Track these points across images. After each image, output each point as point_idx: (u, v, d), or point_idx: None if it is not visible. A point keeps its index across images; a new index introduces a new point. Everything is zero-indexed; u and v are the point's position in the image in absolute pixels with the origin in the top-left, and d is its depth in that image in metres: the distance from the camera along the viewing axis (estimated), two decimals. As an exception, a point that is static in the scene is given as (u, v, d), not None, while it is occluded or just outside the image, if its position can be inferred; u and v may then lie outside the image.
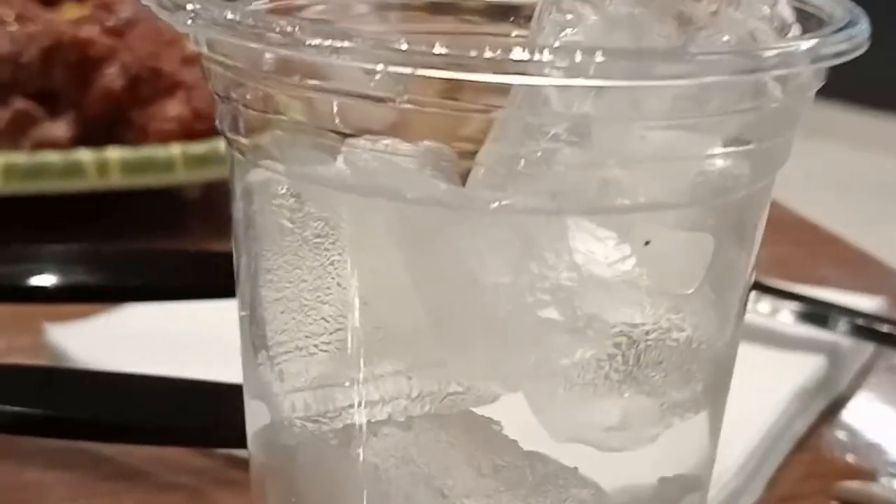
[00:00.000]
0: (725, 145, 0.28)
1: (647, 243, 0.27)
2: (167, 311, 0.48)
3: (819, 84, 0.29)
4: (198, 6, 0.27)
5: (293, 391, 0.30)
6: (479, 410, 0.29)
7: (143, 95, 0.60)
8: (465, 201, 0.27)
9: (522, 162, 0.27)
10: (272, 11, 0.33)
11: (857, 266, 0.66)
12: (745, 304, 0.31)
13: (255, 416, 0.31)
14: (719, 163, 0.28)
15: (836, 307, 0.53)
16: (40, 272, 0.46)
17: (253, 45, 0.26)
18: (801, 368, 0.50)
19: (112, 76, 0.59)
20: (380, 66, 0.24)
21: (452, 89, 0.26)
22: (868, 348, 0.54)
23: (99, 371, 0.45)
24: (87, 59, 0.60)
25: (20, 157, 0.57)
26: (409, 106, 0.26)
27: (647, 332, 0.29)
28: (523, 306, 0.28)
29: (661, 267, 0.28)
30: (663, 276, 0.28)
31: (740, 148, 0.28)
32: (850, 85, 2.53)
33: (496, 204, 0.27)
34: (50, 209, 0.58)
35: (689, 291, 0.29)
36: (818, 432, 0.49)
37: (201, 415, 0.43)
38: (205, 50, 0.29)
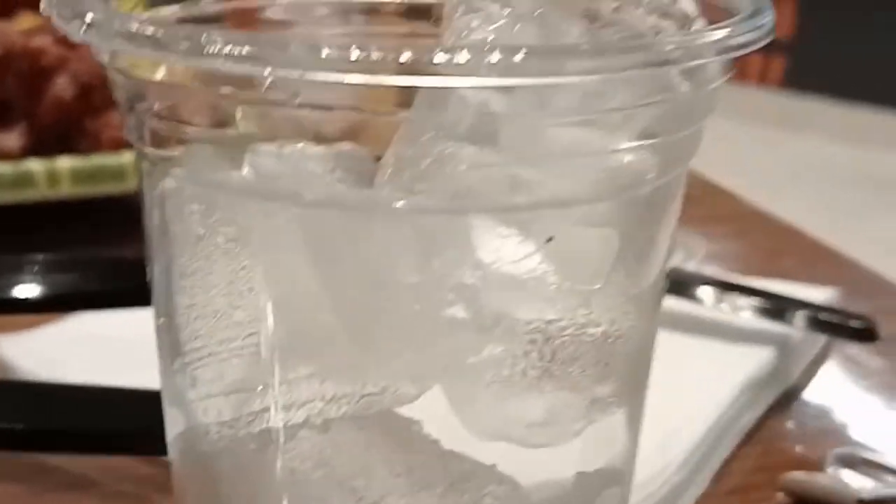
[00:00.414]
0: (632, 140, 0.28)
1: (549, 240, 0.27)
2: (113, 320, 0.48)
3: (726, 76, 0.29)
4: (94, 16, 0.27)
5: (208, 397, 0.30)
6: (399, 410, 0.29)
7: (95, 104, 0.60)
8: (366, 203, 0.27)
9: (426, 162, 0.27)
10: (231, 14, 0.34)
11: (813, 257, 0.66)
12: (662, 297, 0.31)
13: (173, 424, 0.31)
14: (626, 157, 0.28)
15: (789, 300, 0.54)
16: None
17: (150, 55, 0.26)
18: (752, 361, 0.50)
19: (63, 85, 0.59)
20: (267, 71, 0.24)
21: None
22: (820, 340, 0.54)
23: (45, 382, 0.45)
24: (38, 69, 0.60)
25: (-30, 169, 0.57)
26: (305, 111, 0.26)
27: (560, 328, 0.29)
28: (430, 306, 0.28)
29: (568, 263, 0.28)
30: (570, 272, 0.28)
31: (647, 142, 0.29)
32: (824, 77, 2.55)
33: (398, 204, 0.27)
34: (1, 220, 0.58)
35: (598, 286, 0.29)
36: (769, 424, 0.49)
37: (148, 423, 0.43)
38: (106, 60, 0.29)
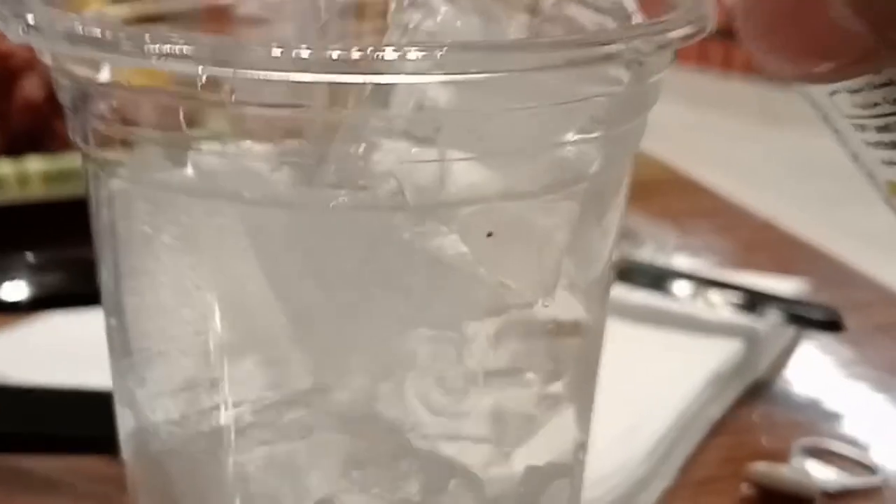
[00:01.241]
0: (575, 133, 0.28)
1: (489, 234, 0.27)
2: (81, 320, 0.47)
3: (666, 68, 0.29)
4: (35, 17, 0.27)
5: (158, 396, 0.30)
6: (349, 407, 0.29)
7: (65, 106, 0.60)
8: (306, 200, 0.27)
9: (365, 158, 0.27)
10: (204, 11, 0.34)
11: (787, 250, 0.67)
12: (609, 289, 0.31)
13: (125, 423, 0.31)
14: (569, 151, 0.28)
15: (762, 294, 0.54)
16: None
17: (90, 54, 0.26)
18: (719, 353, 0.51)
19: (32, 87, 0.59)
20: (200, 69, 0.25)
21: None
22: (788, 332, 0.54)
23: (14, 384, 0.46)
24: (7, 72, 0.60)
25: (-60, 173, 0.57)
26: (240, 110, 0.26)
27: (508, 324, 0.29)
28: (373, 303, 0.28)
29: (512, 258, 0.28)
30: (515, 268, 0.28)
31: (590, 135, 0.29)
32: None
33: (337, 201, 0.27)
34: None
35: (544, 281, 0.29)
36: (736, 415, 0.49)
37: (112, 423, 0.43)
38: (49, 61, 0.29)
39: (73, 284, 0.48)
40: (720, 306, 0.54)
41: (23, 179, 0.56)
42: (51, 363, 0.47)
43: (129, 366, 0.30)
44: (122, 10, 0.33)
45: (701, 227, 0.69)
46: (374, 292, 0.28)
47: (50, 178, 0.57)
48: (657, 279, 0.55)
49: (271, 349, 0.29)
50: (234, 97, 0.25)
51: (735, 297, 0.54)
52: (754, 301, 0.53)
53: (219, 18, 0.35)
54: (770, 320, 0.53)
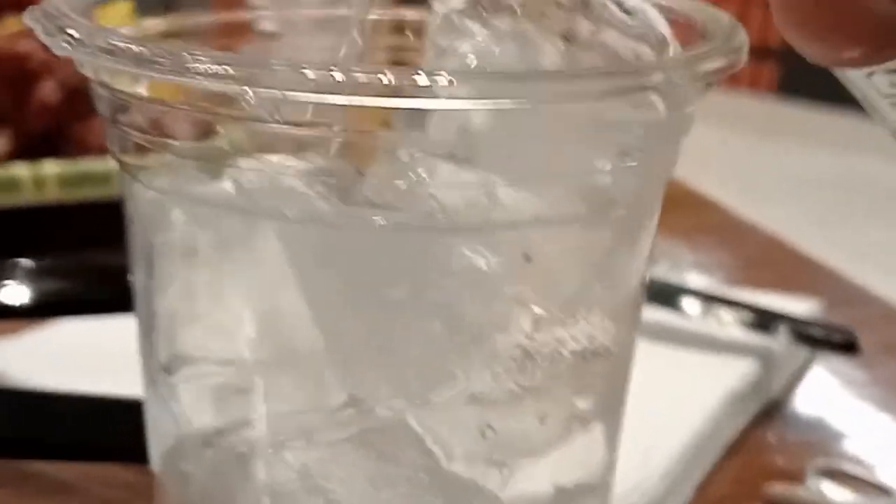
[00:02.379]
0: (609, 161, 0.29)
1: (525, 257, 0.27)
2: (99, 327, 0.48)
3: (700, 98, 0.29)
4: (77, 32, 0.27)
5: (190, 407, 0.30)
6: (382, 425, 0.29)
7: (81, 109, 0.60)
8: (346, 219, 0.27)
9: (405, 179, 0.27)
10: (220, 26, 0.34)
11: (798, 268, 0.67)
12: (640, 312, 0.32)
13: (155, 434, 0.31)
14: (604, 177, 0.29)
15: (772, 312, 0.54)
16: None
17: (131, 70, 0.26)
18: (734, 373, 0.51)
19: (49, 90, 0.59)
20: (247, 89, 0.25)
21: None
22: (803, 352, 0.54)
23: (30, 389, 0.46)
24: (24, 74, 0.60)
25: (-44, 174, 0.57)
26: (284, 128, 0.26)
27: (540, 346, 0.29)
28: (409, 323, 0.28)
29: (547, 281, 0.28)
30: (550, 291, 0.28)
31: (624, 163, 0.29)
32: (814, 83, 2.54)
33: (377, 221, 0.27)
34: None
35: (578, 304, 0.29)
36: (751, 436, 0.49)
37: (132, 431, 0.43)
38: (90, 74, 0.29)
39: (89, 290, 0.48)
40: (731, 324, 0.54)
41: (39, 182, 0.56)
42: (67, 369, 0.47)
43: (163, 376, 0.30)
44: (139, 27, 0.33)
45: (707, 242, 0.69)
46: (409, 311, 0.28)
47: (66, 181, 0.57)
48: (667, 296, 0.56)
49: (305, 364, 0.29)
50: (276, 116, 0.25)
51: (748, 315, 0.54)
52: (766, 320, 0.53)
53: (234, 34, 0.35)
54: (782, 340, 0.53)
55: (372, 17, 0.34)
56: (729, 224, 0.73)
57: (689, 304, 0.55)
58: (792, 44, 0.22)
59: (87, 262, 0.54)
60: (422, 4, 0.34)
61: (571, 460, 0.31)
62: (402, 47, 0.35)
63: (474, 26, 0.29)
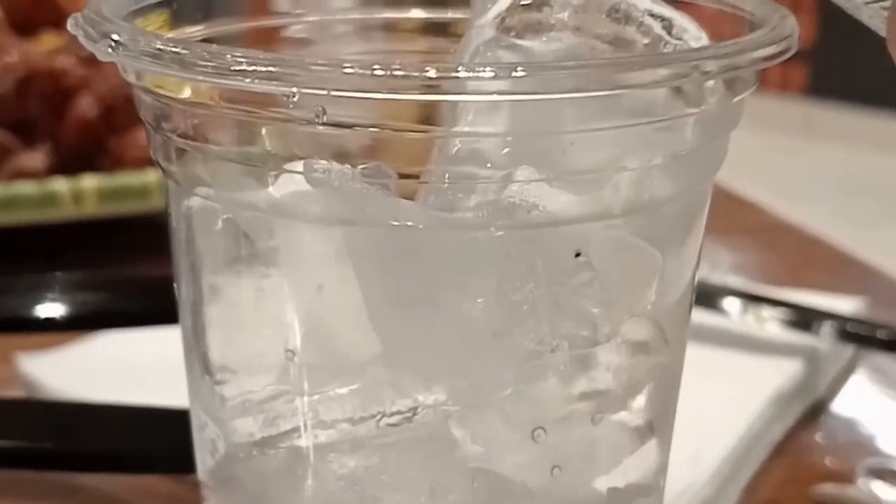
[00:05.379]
0: (656, 155, 0.28)
1: (577, 255, 0.27)
2: (139, 338, 0.48)
3: (749, 89, 0.29)
4: (120, 36, 0.27)
5: (238, 416, 0.30)
6: (432, 430, 0.29)
7: (118, 124, 0.60)
8: (399, 219, 0.27)
9: (457, 180, 0.27)
10: (252, 33, 0.34)
11: (839, 267, 0.66)
12: (689, 314, 0.31)
13: (202, 442, 0.31)
14: (651, 173, 0.28)
15: (815, 311, 0.53)
16: (14, 302, 0.46)
17: (175, 74, 0.26)
18: (780, 373, 0.50)
19: (86, 105, 0.60)
20: (294, 90, 0.24)
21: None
22: (848, 351, 0.54)
23: (72, 401, 0.45)
24: (61, 90, 0.60)
25: (-5, 189, 0.58)
26: (330, 129, 0.26)
27: (592, 346, 0.29)
28: (468, 325, 0.28)
29: (601, 282, 0.28)
30: (602, 291, 0.28)
31: (671, 157, 0.28)
32: (846, 84, 2.53)
33: (432, 221, 0.27)
34: (26, 239, 0.59)
35: (629, 303, 0.29)
36: (798, 436, 0.48)
37: (175, 442, 0.43)
38: (133, 79, 0.29)
39: (127, 303, 0.48)
40: (775, 325, 0.53)
41: (77, 197, 0.57)
42: (107, 381, 0.47)
43: (209, 384, 0.30)
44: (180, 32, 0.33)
45: (746, 243, 0.68)
46: (463, 313, 0.28)
47: (104, 195, 0.57)
48: (708, 296, 0.55)
49: (357, 370, 0.29)
50: (325, 118, 0.25)
51: (791, 314, 0.53)
52: (809, 319, 0.53)
53: (265, 40, 0.35)
54: (826, 338, 0.52)
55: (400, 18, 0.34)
56: (767, 224, 0.72)
57: (731, 305, 0.55)
58: None
59: (126, 275, 0.54)
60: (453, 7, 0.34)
61: (624, 462, 0.30)
62: (433, 50, 0.35)
63: (522, 41, 0.29)
